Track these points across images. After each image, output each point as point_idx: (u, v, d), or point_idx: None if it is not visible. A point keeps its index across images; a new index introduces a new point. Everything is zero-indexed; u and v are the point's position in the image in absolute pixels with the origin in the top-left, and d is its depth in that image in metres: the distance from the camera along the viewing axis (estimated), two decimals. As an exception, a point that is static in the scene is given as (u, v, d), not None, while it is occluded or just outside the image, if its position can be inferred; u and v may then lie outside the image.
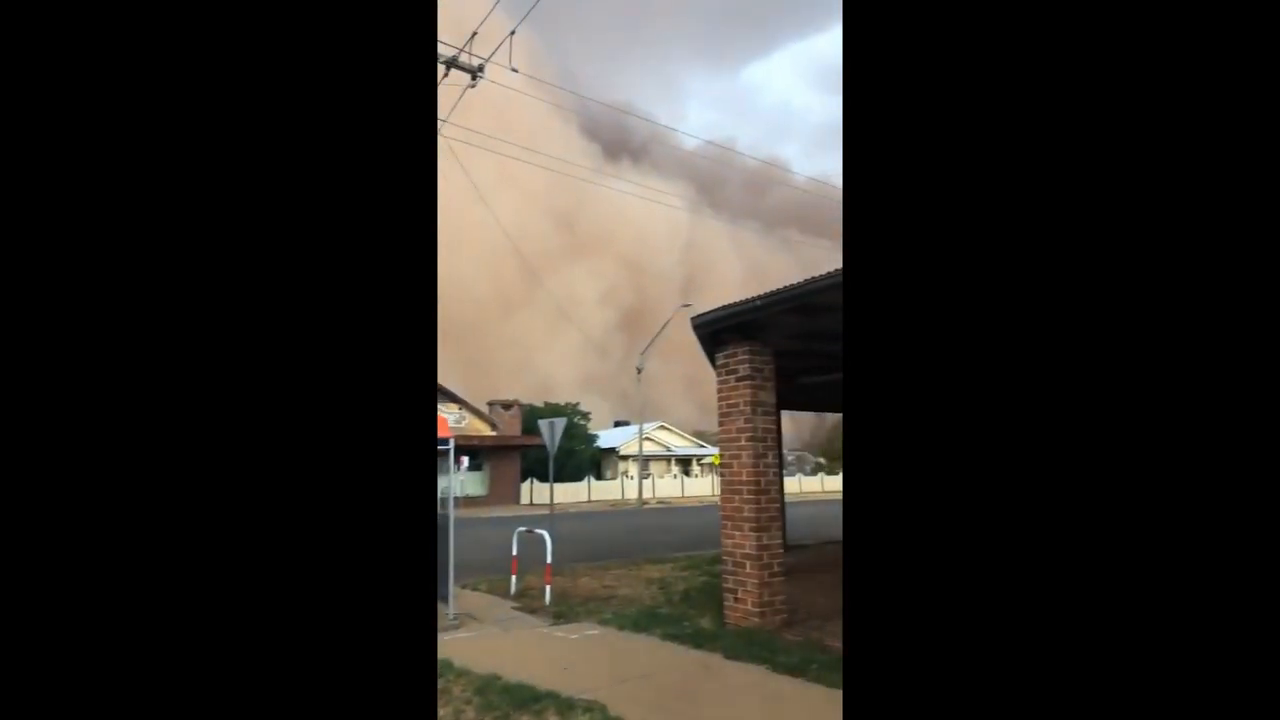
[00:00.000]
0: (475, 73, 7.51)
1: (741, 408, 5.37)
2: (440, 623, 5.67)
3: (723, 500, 5.54)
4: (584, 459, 32.92)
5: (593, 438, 35.09)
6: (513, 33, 7.37)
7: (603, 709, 3.53)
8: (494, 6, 7.59)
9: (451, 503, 6.07)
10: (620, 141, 69.25)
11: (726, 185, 74.25)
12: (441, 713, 3.58)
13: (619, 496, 31.80)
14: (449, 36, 7.35)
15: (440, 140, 8.00)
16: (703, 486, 35.32)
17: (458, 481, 6.40)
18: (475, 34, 7.18)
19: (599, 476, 34.41)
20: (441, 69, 7.37)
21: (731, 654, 4.54)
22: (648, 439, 32.77)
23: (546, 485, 28.56)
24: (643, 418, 31.25)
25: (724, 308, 5.43)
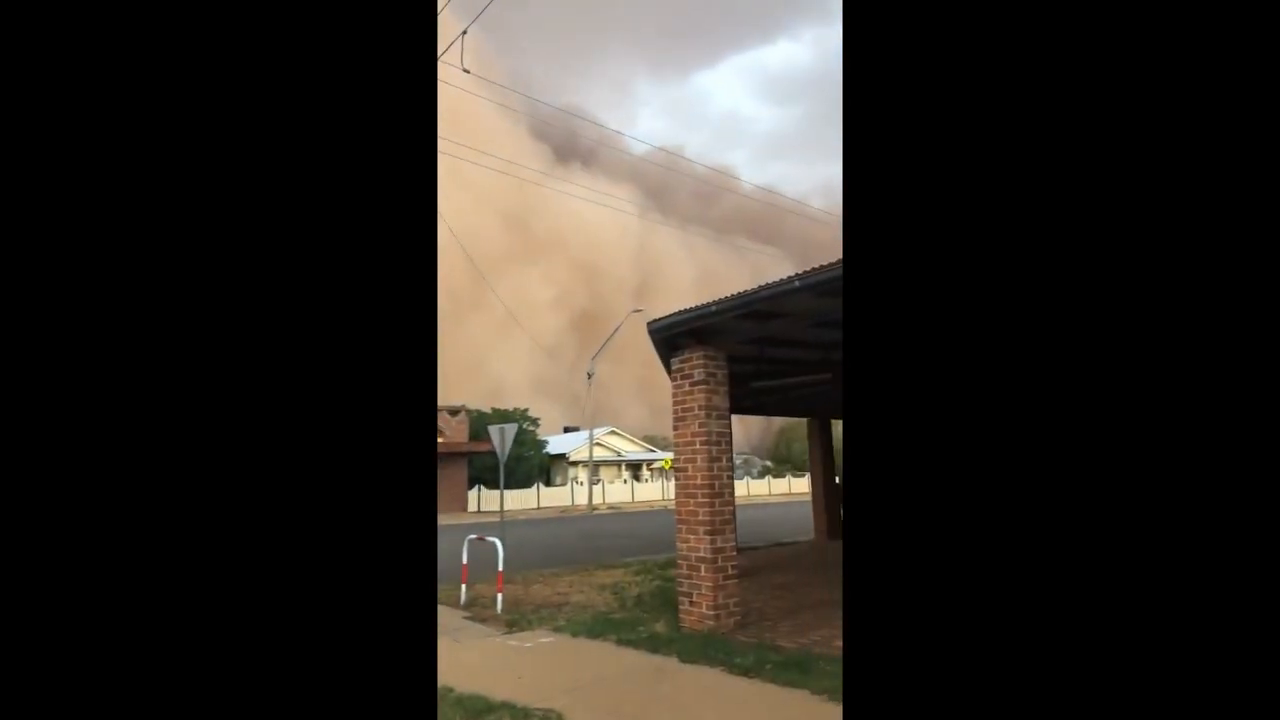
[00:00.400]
0: (426, 71, 7.36)
1: (696, 412, 5.42)
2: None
3: (678, 504, 5.57)
4: (533, 465, 32.55)
5: (542, 443, 34.74)
6: (464, 32, 7.26)
7: (559, 717, 3.50)
8: (445, 5, 7.46)
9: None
10: (570, 145, 69.12)
11: (676, 191, 75.02)
12: (392, 728, 3.48)
13: (569, 502, 31.58)
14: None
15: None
16: (653, 491, 35.42)
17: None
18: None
19: (548, 482, 34.10)
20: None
21: (687, 657, 4.56)
22: (598, 444, 32.69)
23: (495, 492, 28.11)
24: (593, 423, 31.14)
25: (680, 313, 5.48)
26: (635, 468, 40.02)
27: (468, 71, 7.43)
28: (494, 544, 6.89)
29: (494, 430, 8.74)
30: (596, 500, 30.36)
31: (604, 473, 36.87)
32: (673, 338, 5.65)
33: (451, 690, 3.95)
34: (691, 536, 5.39)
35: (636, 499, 34.46)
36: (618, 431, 40.71)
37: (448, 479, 27.39)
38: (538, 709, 3.61)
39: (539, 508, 30.02)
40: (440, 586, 7.75)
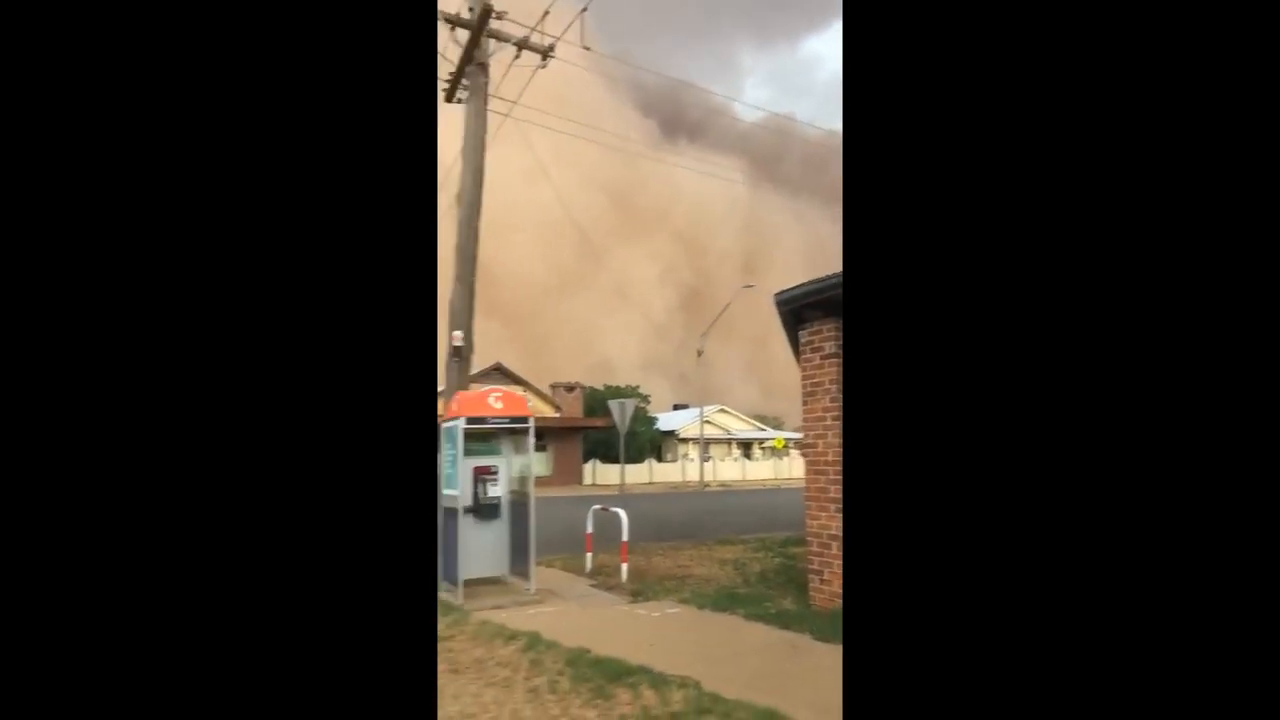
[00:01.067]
0: (546, 53, 7.50)
1: (827, 386, 5.22)
2: (521, 597, 5.80)
3: (807, 480, 5.42)
4: (644, 441, 33.13)
5: (652, 420, 35.24)
6: (584, 10, 7.31)
7: (696, 685, 3.52)
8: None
9: (531, 481, 6.18)
10: (677, 118, 68.60)
11: (786, 160, 72.57)
12: (536, 682, 3.66)
13: (680, 479, 31.90)
14: (516, 15, 7.35)
15: (498, 120, 8.02)
16: (765, 470, 35.01)
17: (519, 464, 6.59)
18: (547, 13, 7.16)
19: (659, 459, 34.57)
20: (512, 50, 7.39)
21: (820, 635, 4.46)
22: (707, 422, 32.68)
23: (609, 466, 28.90)
24: (703, 400, 31.13)
25: (809, 283, 5.27)
26: (746, 446, 39.67)
27: (588, 49, 7.50)
28: (617, 514, 7.05)
29: (614, 405, 8.97)
30: (708, 477, 30.46)
31: (714, 450, 36.87)
32: (800, 310, 5.46)
33: (588, 652, 4.09)
34: (822, 514, 5.24)
35: (748, 477, 34.23)
36: (727, 409, 40.47)
37: (564, 453, 28.48)
38: (674, 676, 3.66)
39: (650, 483, 30.55)
40: (565, 555, 8.07)
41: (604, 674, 3.72)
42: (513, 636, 4.52)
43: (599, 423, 27.22)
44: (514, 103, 8.04)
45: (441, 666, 4.01)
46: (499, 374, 25.49)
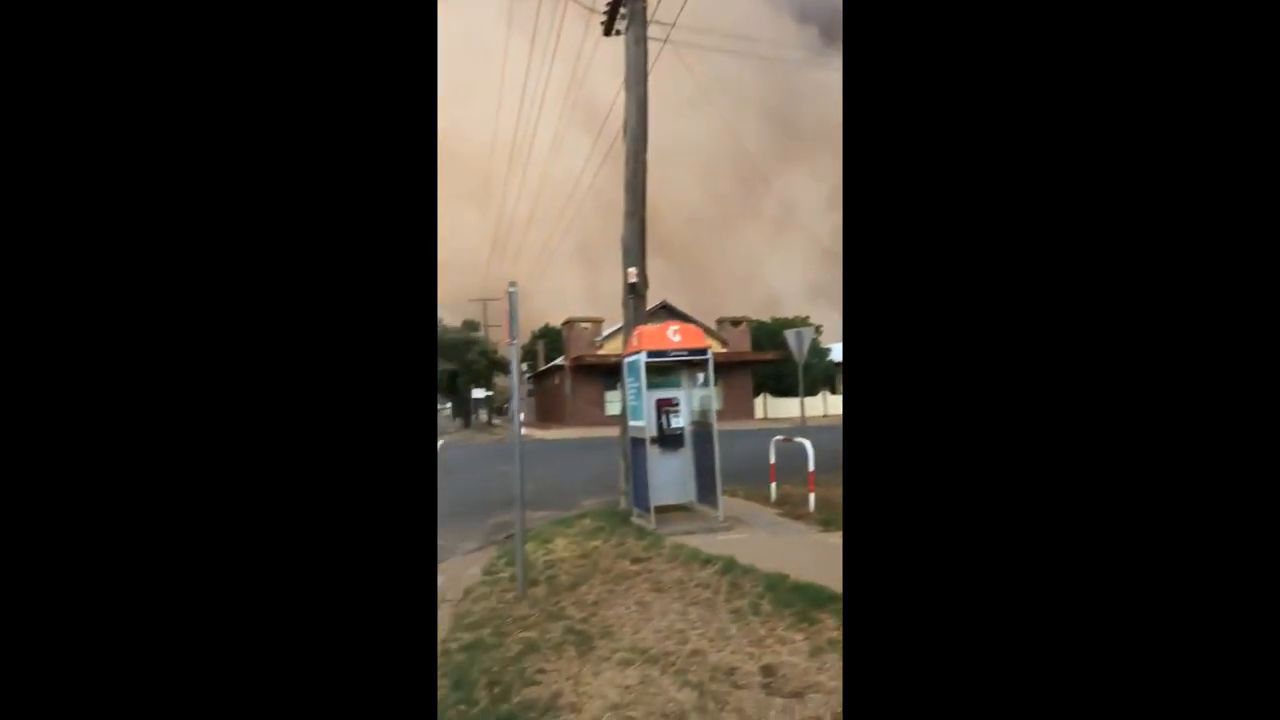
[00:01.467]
0: (703, -37, 7.09)
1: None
2: (711, 524, 5.93)
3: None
4: (818, 373, 32.12)
5: (825, 351, 33.96)
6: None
7: (908, 617, 3.36)
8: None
9: (713, 414, 6.23)
10: (838, 18, 62.91)
11: (970, 54, 63.88)
12: (738, 604, 3.72)
13: (856, 410, 30.67)
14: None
15: (655, 48, 7.75)
16: (951, 399, 32.51)
17: (700, 395, 6.68)
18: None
19: (833, 391, 33.42)
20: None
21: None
22: (886, 350, 30.87)
23: (779, 400, 28.54)
24: (880, 327, 29.33)
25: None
26: (928, 374, 36.97)
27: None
28: (801, 445, 6.89)
29: (791, 335, 8.68)
30: (887, 408, 29.00)
31: (893, 380, 34.82)
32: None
33: (787, 577, 4.07)
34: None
35: (932, 407, 32.03)
36: (907, 336, 37.82)
37: (734, 388, 28.56)
38: (882, 606, 3.53)
39: (826, 415, 29.75)
40: (746, 485, 8.11)
41: (806, 599, 3.68)
42: (708, 560, 4.64)
43: (767, 356, 26.78)
44: (670, 25, 7.74)
45: (643, 586, 4.22)
46: (665, 312, 25.89)
